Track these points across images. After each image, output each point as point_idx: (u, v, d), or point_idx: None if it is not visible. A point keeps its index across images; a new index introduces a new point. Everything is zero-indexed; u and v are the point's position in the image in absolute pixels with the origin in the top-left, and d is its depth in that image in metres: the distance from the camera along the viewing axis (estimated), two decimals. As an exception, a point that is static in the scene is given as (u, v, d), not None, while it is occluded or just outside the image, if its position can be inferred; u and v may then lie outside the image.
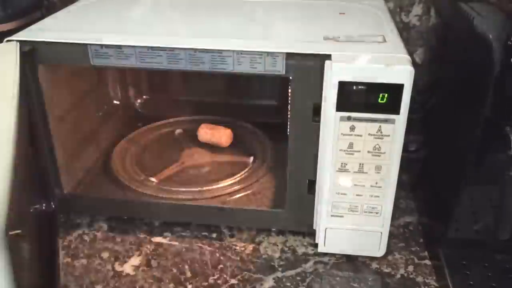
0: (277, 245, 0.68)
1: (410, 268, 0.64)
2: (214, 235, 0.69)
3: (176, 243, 0.68)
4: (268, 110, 0.92)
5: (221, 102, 0.93)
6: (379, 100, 0.53)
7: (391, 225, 0.62)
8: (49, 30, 0.63)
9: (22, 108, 0.47)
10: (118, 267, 0.64)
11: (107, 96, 0.89)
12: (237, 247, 0.67)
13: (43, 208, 0.67)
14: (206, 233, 0.70)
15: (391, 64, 0.51)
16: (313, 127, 0.58)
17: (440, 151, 0.74)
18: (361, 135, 0.55)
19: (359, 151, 0.56)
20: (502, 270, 0.61)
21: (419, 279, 0.62)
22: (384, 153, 0.56)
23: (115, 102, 0.92)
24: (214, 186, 0.73)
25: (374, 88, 0.53)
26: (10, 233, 0.36)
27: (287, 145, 0.61)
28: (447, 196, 0.63)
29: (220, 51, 0.56)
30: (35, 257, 0.59)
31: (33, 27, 0.64)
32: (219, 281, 0.62)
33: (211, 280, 0.62)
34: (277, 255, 0.66)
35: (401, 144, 0.55)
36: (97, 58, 0.59)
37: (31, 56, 0.59)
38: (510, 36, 0.48)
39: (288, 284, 0.61)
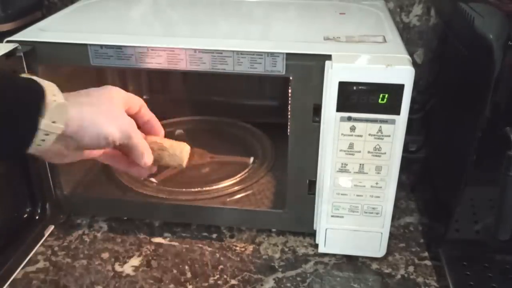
0: (277, 246, 0.68)
1: (411, 268, 0.64)
2: (214, 236, 0.69)
3: (176, 243, 0.68)
4: (269, 110, 0.92)
5: (221, 102, 0.93)
6: (380, 101, 0.53)
7: (392, 225, 0.62)
8: (49, 30, 0.63)
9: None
10: (118, 268, 0.64)
11: (107, 96, 0.89)
12: (237, 248, 0.67)
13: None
14: (206, 234, 0.70)
15: (391, 65, 0.51)
16: (313, 127, 0.58)
17: (440, 152, 0.74)
18: (361, 136, 0.55)
19: (360, 152, 0.56)
20: (502, 270, 0.61)
21: (420, 279, 0.62)
22: (385, 153, 0.56)
23: (115, 102, 0.91)
24: (214, 187, 0.73)
25: (375, 88, 0.52)
26: None
27: (287, 146, 0.61)
28: (447, 196, 0.63)
29: (220, 51, 0.56)
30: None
31: (33, 27, 0.64)
32: (219, 282, 0.62)
33: (211, 280, 0.62)
34: (277, 255, 0.66)
35: (401, 144, 0.55)
36: (97, 58, 0.59)
37: (31, 56, 0.59)
38: (510, 36, 0.48)
39: (289, 284, 0.61)
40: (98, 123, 0.44)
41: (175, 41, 0.58)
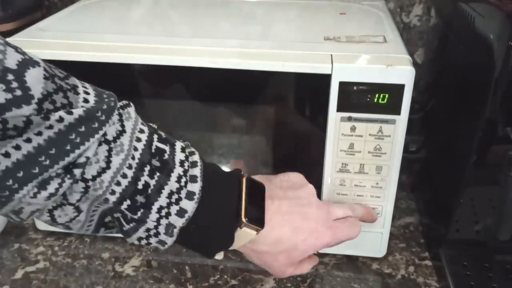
0: (278, 246, 0.68)
1: (411, 268, 0.64)
2: (214, 236, 0.69)
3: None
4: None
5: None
6: (380, 101, 0.53)
7: (392, 225, 0.62)
8: (49, 30, 0.63)
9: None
10: (118, 268, 0.64)
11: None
12: (238, 248, 0.67)
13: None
14: (206, 234, 0.70)
15: (391, 65, 0.51)
16: (313, 127, 0.58)
17: (440, 152, 0.74)
18: (361, 136, 0.55)
19: (360, 152, 0.56)
20: (502, 270, 0.61)
21: (420, 279, 0.62)
22: (385, 153, 0.56)
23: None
24: (215, 187, 0.72)
25: (375, 88, 0.52)
26: None
27: (288, 146, 0.61)
28: (447, 196, 0.63)
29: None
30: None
31: (33, 27, 0.64)
32: (219, 282, 0.61)
33: (211, 280, 0.62)
34: (277, 255, 0.66)
35: (401, 144, 0.55)
36: (97, 58, 0.59)
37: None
38: (511, 36, 0.48)
39: (289, 285, 0.61)
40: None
41: (175, 41, 0.58)
